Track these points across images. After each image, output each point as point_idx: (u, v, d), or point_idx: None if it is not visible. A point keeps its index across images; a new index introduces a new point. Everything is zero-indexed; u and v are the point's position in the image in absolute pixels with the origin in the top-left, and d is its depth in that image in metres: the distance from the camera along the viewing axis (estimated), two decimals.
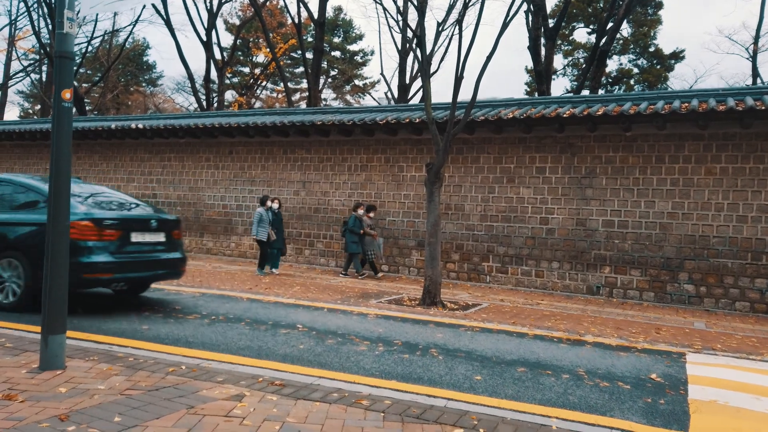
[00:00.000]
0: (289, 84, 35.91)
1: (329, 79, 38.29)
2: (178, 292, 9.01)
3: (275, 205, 12.73)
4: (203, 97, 26.71)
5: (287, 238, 14.41)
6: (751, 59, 21.94)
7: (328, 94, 38.87)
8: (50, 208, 4.55)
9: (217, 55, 27.36)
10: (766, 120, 9.99)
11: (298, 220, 14.74)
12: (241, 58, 37.48)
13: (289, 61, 37.54)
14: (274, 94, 40.37)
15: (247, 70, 38.33)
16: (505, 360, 5.64)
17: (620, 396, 4.64)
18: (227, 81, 31.88)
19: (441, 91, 46.35)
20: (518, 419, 3.96)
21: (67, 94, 4.61)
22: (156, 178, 16.76)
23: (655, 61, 27.72)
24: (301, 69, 34.43)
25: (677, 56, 27.65)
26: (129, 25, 40.49)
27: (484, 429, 3.72)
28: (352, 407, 3.99)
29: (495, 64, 46.20)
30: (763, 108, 9.60)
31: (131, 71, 42.42)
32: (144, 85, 44.22)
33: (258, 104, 38.14)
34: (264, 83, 37.18)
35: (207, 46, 25.67)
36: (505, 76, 54.68)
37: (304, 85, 35.19)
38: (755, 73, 21.77)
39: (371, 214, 12.82)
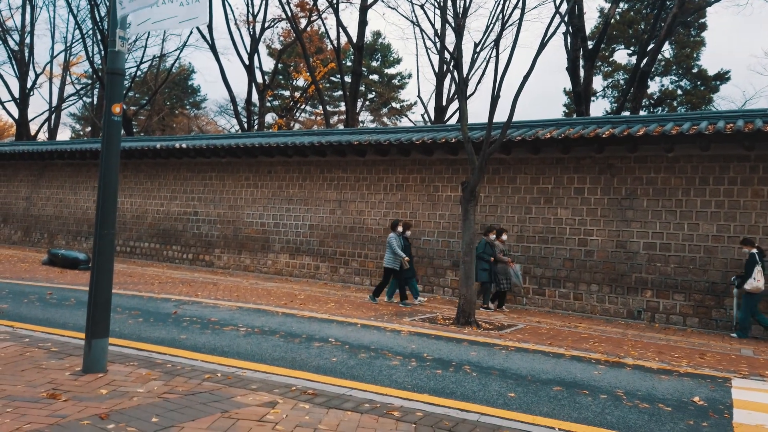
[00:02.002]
0: (327, 107, 36.60)
1: (367, 102, 38.84)
2: (216, 305, 9.19)
3: (404, 231, 11.46)
4: (245, 120, 27.46)
5: (338, 256, 14.56)
6: None
7: (365, 116, 39.40)
8: (98, 216, 4.74)
9: (259, 79, 28.17)
10: None
11: (333, 238, 14.87)
12: (282, 81, 38.45)
13: (328, 85, 38.30)
14: (313, 117, 41.18)
15: (287, 93, 39.26)
16: (541, 379, 5.53)
17: (660, 417, 4.49)
18: (268, 104, 32.71)
19: (478, 112, 46.35)
20: None
21: (116, 108, 4.84)
22: (197, 197, 17.22)
23: (698, 83, 27.09)
24: (340, 92, 35.09)
25: (722, 77, 26.96)
26: (176, 50, 42.30)
27: None
28: (384, 417, 3.98)
29: (534, 87, 46.03)
30: None
31: (177, 94, 44.04)
32: (188, 108, 45.78)
33: (297, 126, 38.94)
34: (303, 106, 37.97)
35: (249, 69, 26.48)
36: (543, 98, 54.36)
37: (343, 107, 35.84)
38: None
39: (504, 238, 11.50)
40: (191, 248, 17.12)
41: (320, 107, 32.50)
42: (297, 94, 35.81)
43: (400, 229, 11.38)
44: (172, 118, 43.59)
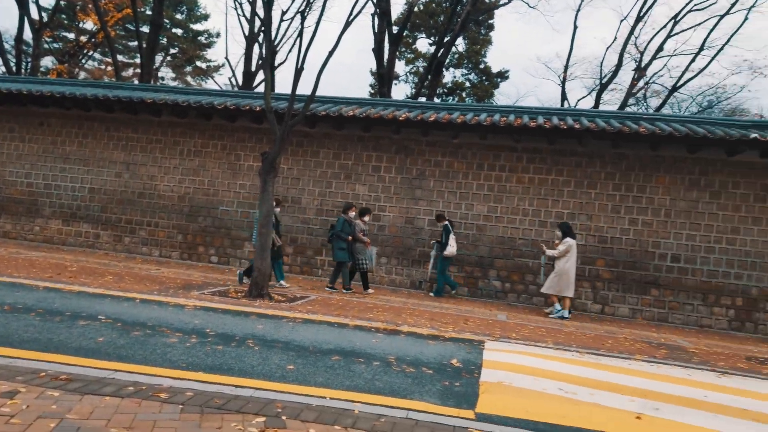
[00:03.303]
0: (121, 57, 32.86)
1: (168, 58, 35.77)
2: None
3: (275, 207, 10.42)
4: (13, 61, 23.29)
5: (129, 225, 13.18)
6: (561, 85, 25.01)
7: (166, 72, 36.30)
8: None
9: (35, 15, 24.04)
10: (567, 138, 11.41)
11: (118, 204, 13.52)
12: (65, 21, 33.38)
13: (123, 33, 34.29)
14: (103, 67, 36.63)
15: (71, 35, 34.23)
16: (322, 349, 5.72)
17: (422, 380, 4.96)
18: (45, 45, 28.19)
19: (288, 82, 45.76)
20: (323, 405, 4.03)
21: None
22: None
23: (484, 78, 30.32)
24: (137, 43, 31.63)
25: (502, 75, 30.55)
26: None
27: (288, 416, 3.72)
28: (148, 400, 3.74)
29: (346, 64, 46.87)
30: (565, 127, 10.96)
31: None
32: None
33: (83, 75, 34.30)
34: (91, 53, 33.52)
35: (20, 2, 22.42)
36: (355, 76, 55.80)
37: (139, 60, 32.46)
38: (563, 97, 24.91)
39: (366, 218, 10.95)
40: None
41: (111, 57, 28.98)
42: (84, 39, 31.47)
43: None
44: None
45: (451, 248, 11.11)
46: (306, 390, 4.38)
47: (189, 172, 13.38)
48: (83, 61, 33.57)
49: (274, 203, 10.53)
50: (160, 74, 34.54)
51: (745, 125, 11.45)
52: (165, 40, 33.26)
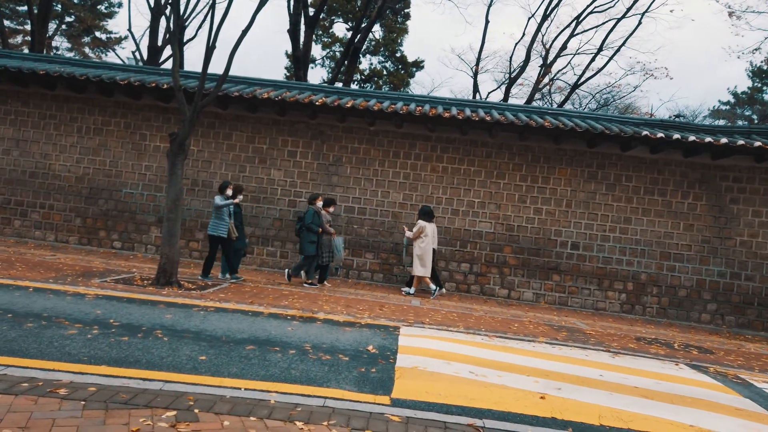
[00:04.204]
0: (8, 23, 29.91)
1: (63, 26, 32.97)
2: None
3: (233, 194, 9.91)
4: None
5: None
6: (473, 77, 25.77)
7: (60, 42, 33.44)
8: None
9: None
10: (478, 129, 11.79)
11: (7, 184, 12.38)
12: None
13: None
14: None
15: None
16: (235, 339, 5.58)
17: (339, 367, 4.98)
18: None
19: (198, 60, 43.73)
20: (238, 396, 3.94)
21: None
22: None
23: (400, 66, 30.60)
24: (26, 8, 28.86)
25: (418, 65, 31.00)
26: None
27: (200, 409, 3.61)
28: (45, 397, 3.48)
29: (262, 46, 45.55)
30: (477, 119, 11.31)
31: None
32: None
33: None
34: None
35: None
36: (270, 58, 54.33)
37: (29, 27, 29.65)
38: (475, 89, 25.69)
39: (331, 209, 10.64)
40: None
41: None
42: None
43: (229, 192, 9.82)
44: None
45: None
46: (219, 381, 4.26)
47: (88, 151, 12.48)
48: None
49: (232, 191, 9.97)
50: (53, 44, 31.80)
51: (638, 123, 12.39)
52: (59, 6, 30.61)
